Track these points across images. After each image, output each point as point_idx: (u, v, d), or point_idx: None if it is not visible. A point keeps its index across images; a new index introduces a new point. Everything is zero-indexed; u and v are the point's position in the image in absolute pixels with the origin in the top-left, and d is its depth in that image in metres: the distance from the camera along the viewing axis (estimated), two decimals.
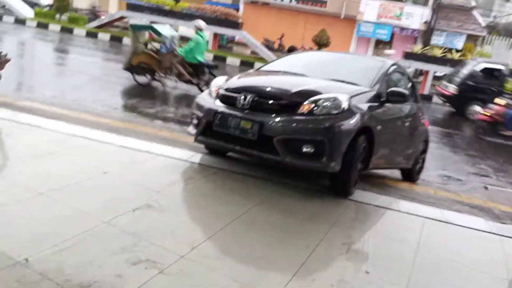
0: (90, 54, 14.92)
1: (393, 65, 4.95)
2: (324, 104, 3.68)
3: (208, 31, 18.93)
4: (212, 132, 3.98)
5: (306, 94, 3.79)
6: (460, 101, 13.71)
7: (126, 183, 3.57)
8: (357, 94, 3.99)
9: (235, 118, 3.77)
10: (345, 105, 3.72)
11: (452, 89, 13.78)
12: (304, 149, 3.61)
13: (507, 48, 22.14)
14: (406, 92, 4.45)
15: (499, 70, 13.58)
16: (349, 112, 3.73)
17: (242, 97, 3.82)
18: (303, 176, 4.48)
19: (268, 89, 3.97)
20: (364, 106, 3.95)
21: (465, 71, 14.09)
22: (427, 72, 17.83)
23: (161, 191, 3.47)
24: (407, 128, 5.13)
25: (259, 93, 3.84)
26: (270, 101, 3.78)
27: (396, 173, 6.43)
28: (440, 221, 3.89)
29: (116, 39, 19.19)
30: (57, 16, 22.61)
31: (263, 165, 4.68)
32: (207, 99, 4.19)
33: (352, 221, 3.60)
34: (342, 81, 4.29)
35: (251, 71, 5.45)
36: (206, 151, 4.86)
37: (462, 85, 13.55)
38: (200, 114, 4.12)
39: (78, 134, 4.67)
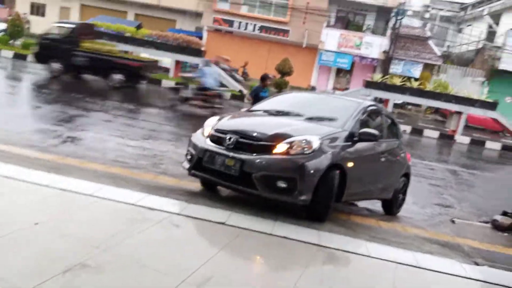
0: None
1: (369, 106, 5.29)
2: (298, 145, 4.09)
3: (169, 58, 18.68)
4: (203, 167, 4.39)
5: (282, 136, 4.20)
6: (42, 58, 14.69)
7: (60, 236, 3.07)
8: (329, 135, 4.36)
9: (221, 156, 4.23)
10: (316, 146, 4.10)
11: (35, 48, 15.02)
12: (279, 185, 4.03)
13: (461, 76, 23.05)
14: (377, 132, 4.71)
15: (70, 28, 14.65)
16: (320, 152, 4.10)
17: (228, 137, 4.26)
18: (265, 219, 4.11)
19: (249, 131, 4.35)
20: (335, 146, 4.33)
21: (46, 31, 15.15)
22: (387, 100, 18.14)
23: (101, 244, 3.00)
24: (383, 163, 5.41)
25: (242, 135, 4.27)
26: (251, 142, 4.20)
27: (365, 206, 6.22)
28: (413, 266, 3.60)
29: None
30: (11, 41, 21.64)
31: (223, 207, 4.29)
32: (200, 138, 4.62)
33: (320, 272, 3.25)
34: (319, 122, 4.72)
35: (242, 110, 6.02)
36: (159, 192, 4.45)
37: (41, 43, 14.60)
38: (193, 151, 4.57)
39: (12, 175, 4.12)
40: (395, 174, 5.90)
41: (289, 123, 4.63)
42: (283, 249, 3.52)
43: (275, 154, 4.08)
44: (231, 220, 3.88)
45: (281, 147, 4.09)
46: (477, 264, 4.23)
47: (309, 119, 4.75)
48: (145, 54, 20.49)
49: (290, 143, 4.10)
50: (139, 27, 22.66)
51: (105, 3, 30.48)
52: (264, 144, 4.14)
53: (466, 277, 3.56)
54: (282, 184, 4.01)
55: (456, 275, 3.57)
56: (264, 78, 9.05)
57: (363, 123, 4.94)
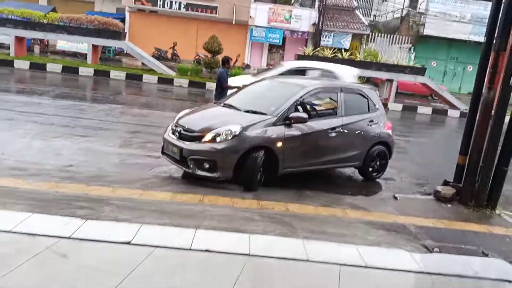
0: None
1: (314, 89, 5.88)
2: (222, 134, 5.03)
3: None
4: (164, 152, 5.65)
5: (209, 128, 5.15)
6: None
7: None
8: (254, 123, 5.18)
9: (170, 144, 5.43)
10: (236, 133, 5.00)
11: None
12: (204, 165, 5.05)
13: (389, 44, 23.35)
14: (305, 115, 5.40)
15: None
16: (239, 138, 5.00)
17: (177, 130, 5.44)
18: (186, 228, 3.41)
19: (189, 125, 5.38)
20: (260, 131, 5.15)
21: None
22: None
23: None
24: (336, 137, 5.91)
25: (184, 128, 5.39)
26: (188, 134, 5.27)
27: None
28: (359, 266, 3.08)
29: None
30: None
31: (134, 217, 3.51)
32: (168, 129, 5.80)
33: None
34: (255, 112, 5.49)
35: (206, 105, 6.85)
36: (52, 207, 3.59)
37: None
38: (162, 140, 5.73)
39: None
40: (360, 145, 6.30)
41: (226, 114, 5.61)
42: (203, 268, 2.84)
43: (203, 142, 5.06)
44: (140, 237, 3.13)
45: (208, 136, 5.06)
46: (427, 248, 3.84)
47: (246, 110, 5.59)
48: (59, 40, 18.66)
49: (217, 132, 5.04)
50: (53, 12, 20.51)
51: None
52: (195, 135, 5.17)
53: (418, 271, 3.11)
54: (206, 165, 5.01)
55: (408, 271, 3.11)
56: (227, 61, 8.53)
57: (305, 106, 5.75)
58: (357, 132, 6.26)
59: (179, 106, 12.27)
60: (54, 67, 15.90)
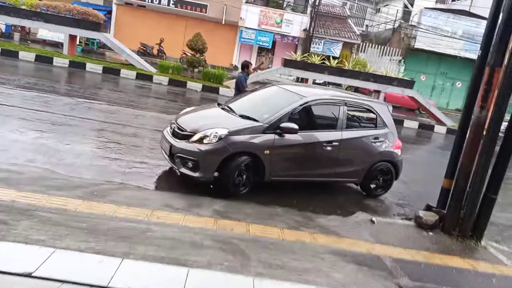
0: None
1: (310, 101, 5.64)
2: (210, 135, 5.03)
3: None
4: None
5: (199, 129, 5.18)
6: None
7: None
8: (242, 129, 5.15)
9: (164, 140, 5.54)
10: (222, 136, 4.99)
11: None
12: (188, 164, 5.08)
13: (379, 55, 23.00)
14: (295, 126, 5.23)
15: None
16: (224, 142, 4.98)
17: (172, 127, 5.55)
18: (110, 256, 2.77)
19: (182, 124, 5.44)
20: (246, 137, 5.10)
21: None
22: (306, 80, 17.36)
23: None
24: (332, 151, 5.71)
25: (177, 125, 5.47)
26: (180, 132, 5.33)
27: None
28: None
29: None
30: None
31: (52, 239, 2.87)
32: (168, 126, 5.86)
33: None
34: (248, 117, 5.44)
35: (207, 105, 7.18)
36: None
37: None
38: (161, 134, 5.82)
39: None
40: (359, 162, 6.04)
41: (219, 117, 5.59)
42: None
43: (191, 142, 5.10)
44: (47, 267, 2.49)
45: (196, 137, 5.09)
46: None
47: (241, 115, 5.54)
48: (40, 29, 17.79)
49: (205, 133, 5.06)
50: None
51: None
52: (186, 134, 5.23)
53: None
54: (190, 164, 5.05)
55: None
56: (246, 65, 8.95)
57: (301, 116, 5.63)
58: (357, 148, 6.04)
59: (153, 105, 11.62)
60: (26, 56, 15.02)
